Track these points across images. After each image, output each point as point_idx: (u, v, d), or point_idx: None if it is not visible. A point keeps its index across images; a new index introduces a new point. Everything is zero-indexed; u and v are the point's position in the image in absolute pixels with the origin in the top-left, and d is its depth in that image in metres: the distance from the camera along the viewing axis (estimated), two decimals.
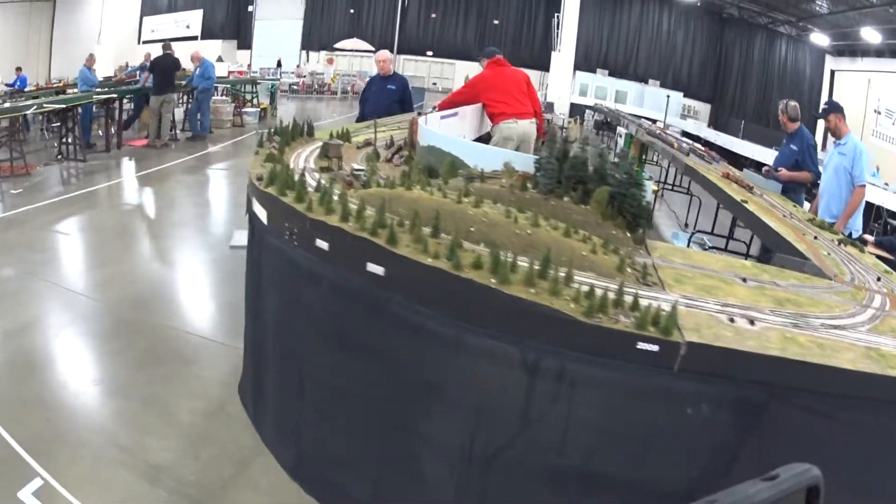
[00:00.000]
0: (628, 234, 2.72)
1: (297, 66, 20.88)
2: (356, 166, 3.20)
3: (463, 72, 35.57)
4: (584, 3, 30.89)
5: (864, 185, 5.58)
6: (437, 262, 2.05)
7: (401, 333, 2.16)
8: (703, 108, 33.83)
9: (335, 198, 2.38)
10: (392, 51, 30.21)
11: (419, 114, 5.67)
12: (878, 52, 25.66)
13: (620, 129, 16.29)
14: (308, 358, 2.53)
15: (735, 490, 0.49)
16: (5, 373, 3.73)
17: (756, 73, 33.82)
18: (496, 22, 33.49)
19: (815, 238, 3.66)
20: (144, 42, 17.39)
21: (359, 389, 2.36)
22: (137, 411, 3.40)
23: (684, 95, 33.45)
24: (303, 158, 3.46)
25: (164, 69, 10.80)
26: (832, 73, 31.92)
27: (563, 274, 2.07)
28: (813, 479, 0.54)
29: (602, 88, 32.21)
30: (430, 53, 33.38)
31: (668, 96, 21.26)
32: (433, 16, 33.13)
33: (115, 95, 10.06)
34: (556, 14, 31.11)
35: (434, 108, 6.49)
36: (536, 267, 2.07)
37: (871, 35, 24.23)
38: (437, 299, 2.06)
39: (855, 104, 29.17)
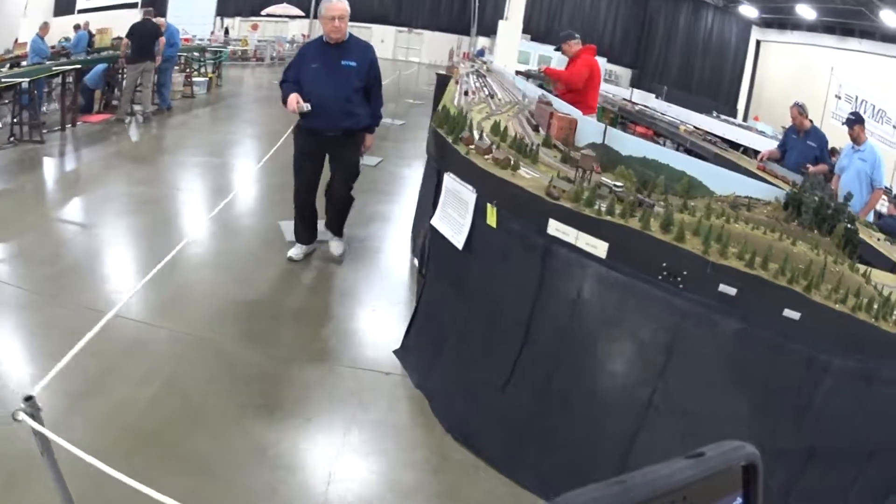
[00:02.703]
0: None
1: (212, 34, 19.97)
2: (610, 182, 3.08)
3: (380, 36, 35.34)
4: None
5: (882, 188, 6.83)
6: (843, 307, 2.30)
7: (808, 372, 2.34)
8: (625, 73, 35.25)
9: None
10: (308, 16, 29.36)
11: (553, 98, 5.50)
12: (811, 27, 27.58)
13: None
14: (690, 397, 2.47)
15: (650, 470, 0.46)
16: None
17: (680, 41, 35.58)
18: None
19: (879, 240, 4.15)
20: (80, 11, 16.02)
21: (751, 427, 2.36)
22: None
23: (608, 61, 34.71)
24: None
25: (144, 35, 10.10)
26: (758, 43, 34.07)
27: None
28: (749, 457, 0.50)
29: (525, 53, 32.82)
30: None
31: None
32: None
33: (78, 66, 9.21)
34: None
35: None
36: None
37: (806, 12, 25.95)
38: (843, 339, 2.31)
39: (782, 76, 31.55)
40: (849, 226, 3.16)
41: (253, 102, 14.31)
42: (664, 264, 2.35)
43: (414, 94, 17.48)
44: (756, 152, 10.86)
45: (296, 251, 5.31)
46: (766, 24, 32.47)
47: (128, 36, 10.25)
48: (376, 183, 7.99)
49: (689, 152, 9.85)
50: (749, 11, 31.76)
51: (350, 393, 3.65)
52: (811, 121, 7.50)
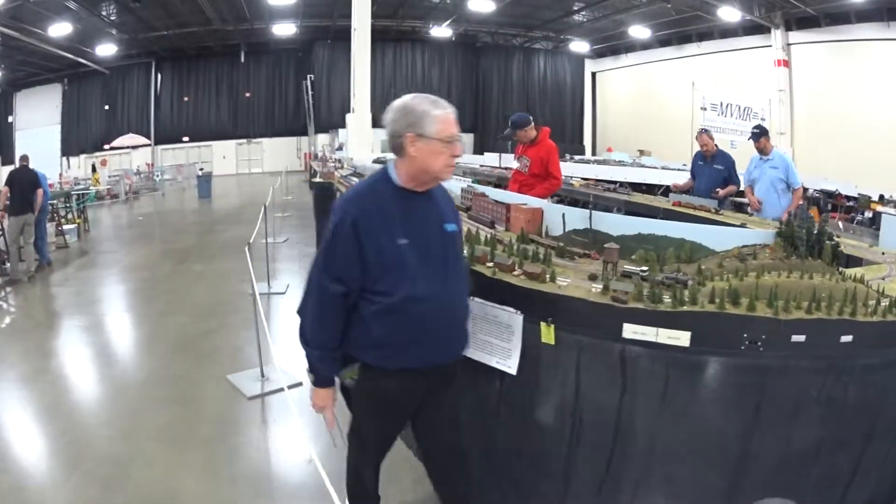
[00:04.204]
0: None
1: (60, 175, 20.08)
2: (635, 268, 3.58)
3: (220, 152, 36.04)
4: (334, 58, 32.84)
5: (800, 187, 7.76)
6: (878, 317, 2.94)
7: (866, 377, 2.97)
8: (468, 139, 37.15)
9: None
10: (150, 141, 31.07)
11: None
12: (645, 45, 30.44)
13: (454, 183, 17.73)
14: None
15: None
16: None
17: (517, 92, 38.14)
18: (248, 94, 34.70)
19: None
20: None
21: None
22: None
23: None
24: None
25: (24, 185, 10.12)
26: (593, 75, 37.17)
27: None
28: None
29: None
30: (186, 139, 33.77)
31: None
32: (185, 99, 33.88)
33: None
34: (307, 76, 32.56)
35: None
36: None
37: (639, 32, 28.68)
38: (884, 340, 2.96)
39: (624, 101, 34.40)
40: (830, 242, 3.85)
41: (129, 244, 14.69)
42: (745, 335, 2.87)
43: (278, 205, 18.01)
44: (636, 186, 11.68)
45: None
46: (598, 54, 35.64)
47: (7, 184, 10.22)
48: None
49: (583, 205, 10.34)
50: (580, 47, 34.71)
51: None
52: (716, 145, 8.49)
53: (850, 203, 11.15)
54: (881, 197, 10.83)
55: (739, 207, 8.66)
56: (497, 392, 3.65)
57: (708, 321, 2.91)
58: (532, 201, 5.13)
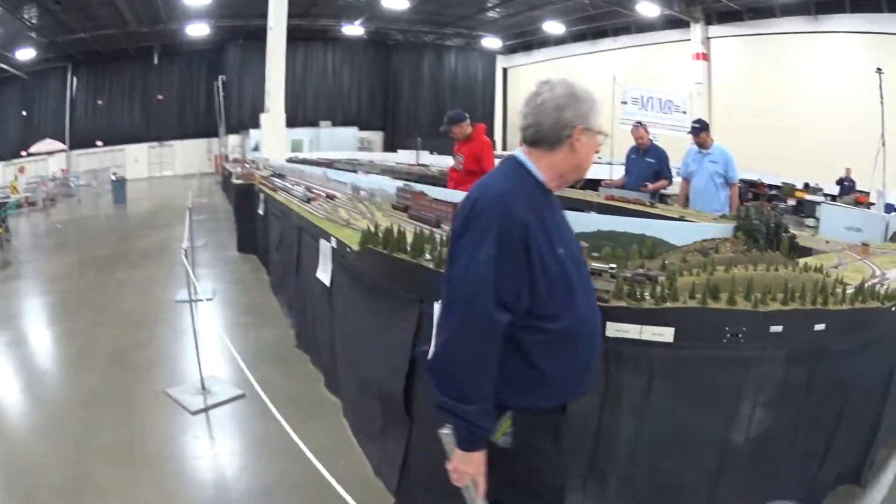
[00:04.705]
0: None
1: None
2: (604, 266, 3.60)
3: (133, 156, 34.97)
4: (246, 59, 32.30)
5: (737, 183, 7.74)
6: (847, 305, 3.14)
7: (839, 361, 3.19)
8: (377, 137, 37.16)
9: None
10: (66, 145, 30.81)
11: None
12: (559, 41, 30.93)
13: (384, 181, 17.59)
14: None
15: None
16: None
17: (427, 90, 38.39)
18: (160, 97, 33.93)
19: None
20: None
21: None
22: None
23: (360, 129, 36.64)
24: None
25: None
26: (504, 70, 37.63)
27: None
28: None
29: None
30: (100, 143, 32.85)
31: None
32: (99, 102, 33.35)
33: None
34: (219, 77, 31.89)
35: None
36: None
37: (554, 27, 29.11)
38: (852, 327, 3.17)
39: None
40: (787, 234, 4.01)
41: (51, 253, 14.15)
42: (726, 328, 2.94)
43: (193, 208, 17.58)
44: None
45: None
46: (510, 50, 36.06)
47: None
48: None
49: None
50: (492, 43, 35.03)
51: None
52: (651, 138, 8.61)
53: (773, 192, 11.48)
54: (806, 185, 11.23)
55: (662, 199, 8.78)
56: None
57: (691, 316, 2.97)
58: None
